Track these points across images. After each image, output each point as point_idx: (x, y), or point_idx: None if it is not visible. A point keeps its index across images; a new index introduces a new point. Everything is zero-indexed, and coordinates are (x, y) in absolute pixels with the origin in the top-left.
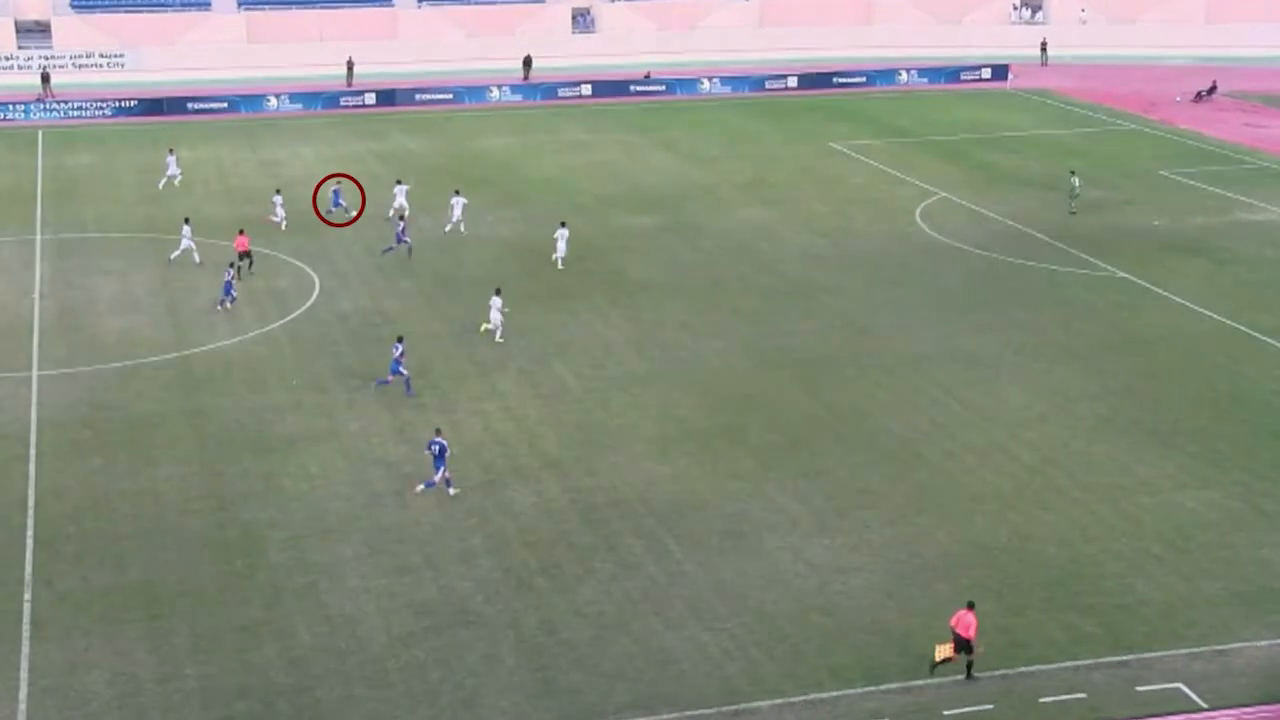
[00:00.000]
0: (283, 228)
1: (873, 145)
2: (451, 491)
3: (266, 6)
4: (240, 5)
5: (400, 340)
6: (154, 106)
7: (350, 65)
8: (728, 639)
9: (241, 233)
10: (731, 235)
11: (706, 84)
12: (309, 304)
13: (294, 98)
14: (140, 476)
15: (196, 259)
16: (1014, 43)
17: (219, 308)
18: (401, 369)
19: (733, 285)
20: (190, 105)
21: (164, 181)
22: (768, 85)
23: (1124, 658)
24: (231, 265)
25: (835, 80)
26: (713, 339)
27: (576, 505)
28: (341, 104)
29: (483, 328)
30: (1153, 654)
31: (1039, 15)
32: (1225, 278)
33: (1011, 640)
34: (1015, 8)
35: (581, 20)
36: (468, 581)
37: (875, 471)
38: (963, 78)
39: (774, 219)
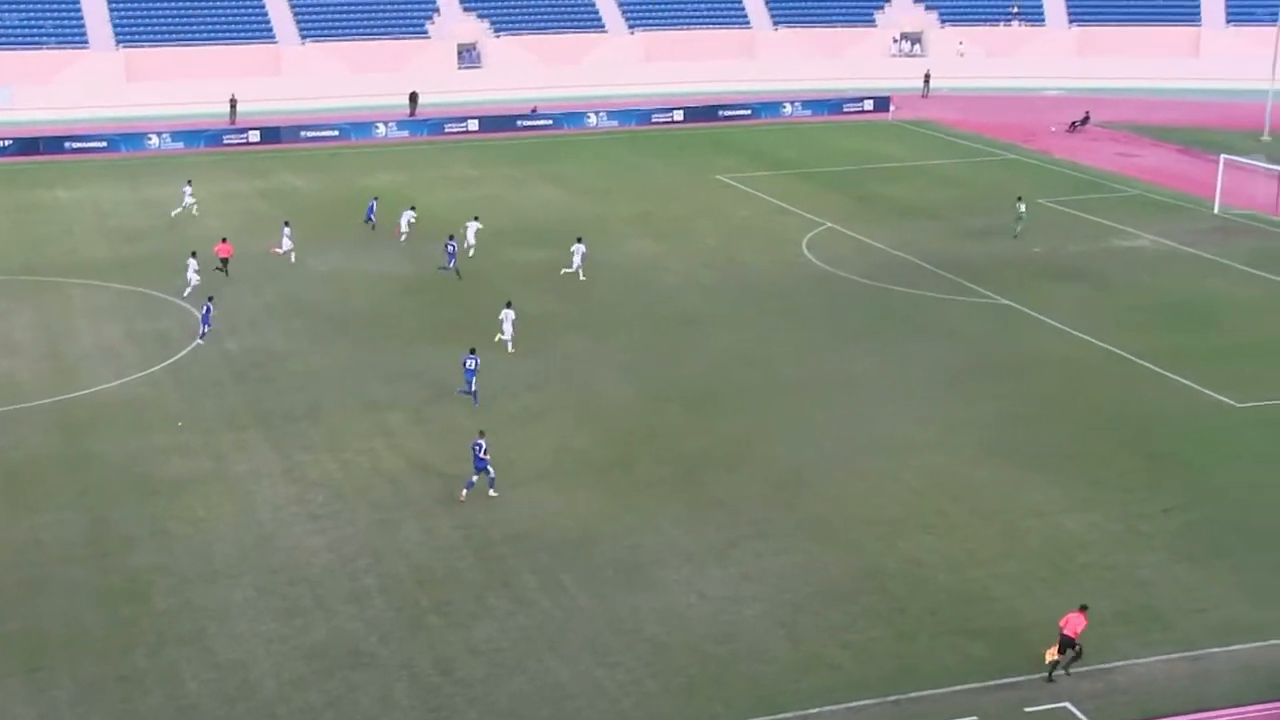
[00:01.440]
0: (292, 259)
1: (759, 177)
2: (492, 493)
3: (145, 44)
4: (118, 42)
5: (473, 353)
6: (30, 146)
7: (233, 102)
8: (623, 673)
9: (224, 241)
10: (622, 268)
11: (593, 118)
12: (194, 344)
13: (176, 135)
14: (20, 525)
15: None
16: (896, 75)
17: (200, 340)
18: (474, 382)
19: (624, 318)
20: (68, 144)
21: (179, 210)
22: (654, 119)
23: (1013, 680)
24: (210, 298)
25: (720, 113)
26: (605, 372)
27: (470, 542)
28: (225, 142)
29: (497, 338)
30: (1040, 675)
31: (917, 48)
32: (1102, 303)
33: (903, 665)
34: (895, 40)
35: (467, 55)
36: (359, 622)
37: (767, 501)
38: (846, 109)
39: (663, 252)
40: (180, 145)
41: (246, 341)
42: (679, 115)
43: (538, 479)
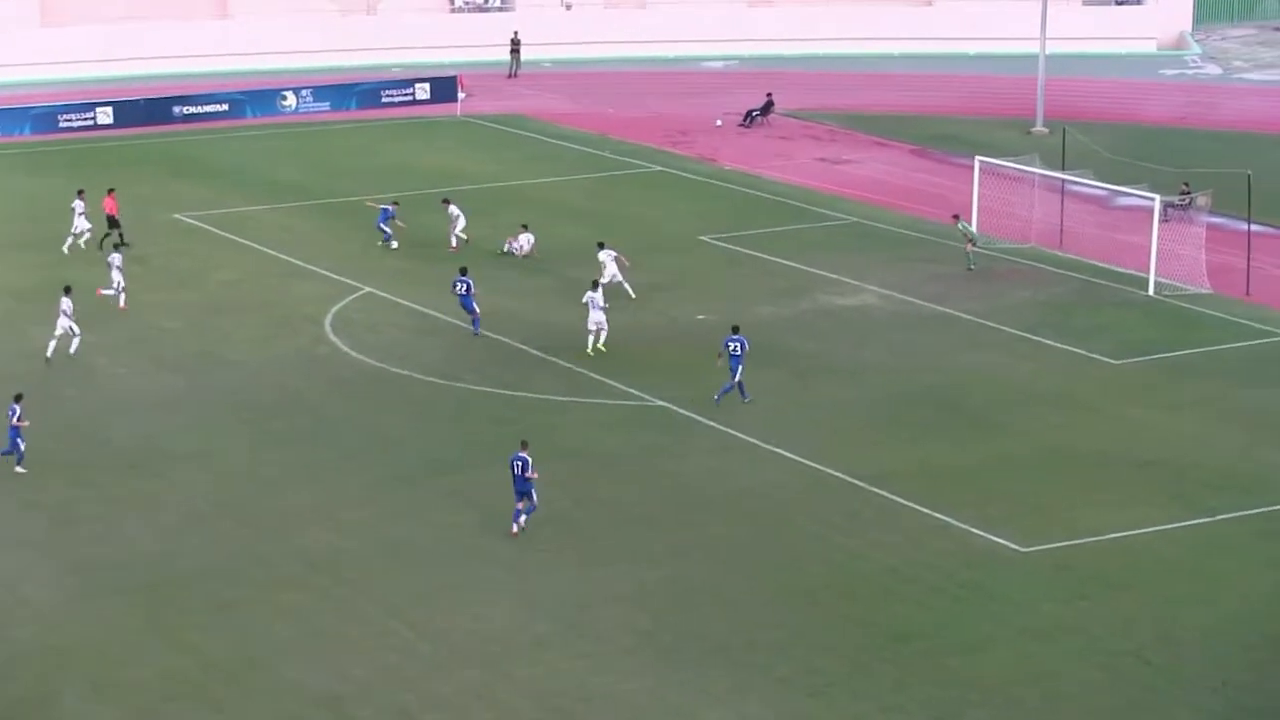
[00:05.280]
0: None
1: (247, 215)
2: (520, 524)
3: None
4: None
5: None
6: None
7: None
8: None
9: (110, 192)
10: (14, 375)
11: None
12: None
13: None
14: None
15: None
16: (464, 41)
17: (18, 469)
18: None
19: (25, 459)
20: None
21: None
22: (62, 121)
23: None
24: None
25: (178, 110)
26: None
27: None
28: None
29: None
30: None
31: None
32: (811, 398)
33: None
34: None
35: None
36: None
37: None
38: (386, 99)
39: (90, 344)
40: None
41: None
42: (105, 116)
43: None
